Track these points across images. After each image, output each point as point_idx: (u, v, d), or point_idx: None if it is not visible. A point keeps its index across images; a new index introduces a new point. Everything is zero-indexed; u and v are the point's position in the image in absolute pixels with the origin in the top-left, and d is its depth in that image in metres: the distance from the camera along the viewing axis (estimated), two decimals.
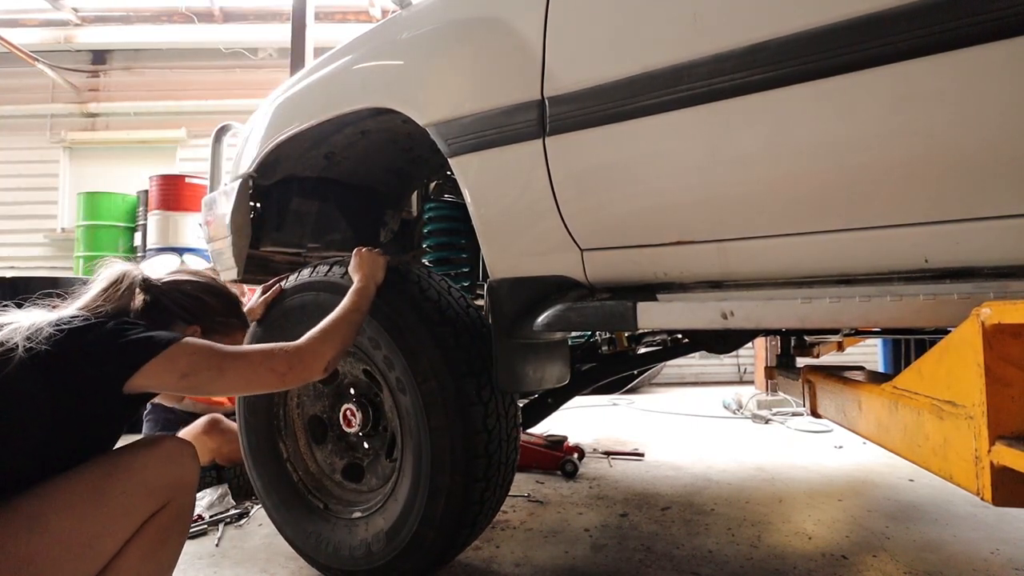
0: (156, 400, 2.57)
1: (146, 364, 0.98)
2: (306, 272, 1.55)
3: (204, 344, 1.06)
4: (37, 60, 5.87)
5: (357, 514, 1.52)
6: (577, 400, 2.70)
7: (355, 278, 1.36)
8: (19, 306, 1.05)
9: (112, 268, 1.18)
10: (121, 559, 0.97)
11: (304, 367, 1.12)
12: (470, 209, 1.38)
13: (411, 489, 1.38)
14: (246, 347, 1.16)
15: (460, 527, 1.38)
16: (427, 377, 1.34)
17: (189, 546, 1.81)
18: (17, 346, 0.93)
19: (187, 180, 4.98)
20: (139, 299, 1.18)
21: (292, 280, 1.57)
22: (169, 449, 1.06)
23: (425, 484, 1.35)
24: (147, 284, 1.20)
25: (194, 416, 2.46)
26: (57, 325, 0.99)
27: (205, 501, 2.07)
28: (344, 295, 1.32)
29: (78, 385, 0.97)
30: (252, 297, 1.71)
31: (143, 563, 0.99)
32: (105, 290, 1.13)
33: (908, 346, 2.90)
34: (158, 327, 1.08)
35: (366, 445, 1.59)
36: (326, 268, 1.51)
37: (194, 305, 1.24)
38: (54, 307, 1.10)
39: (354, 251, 1.44)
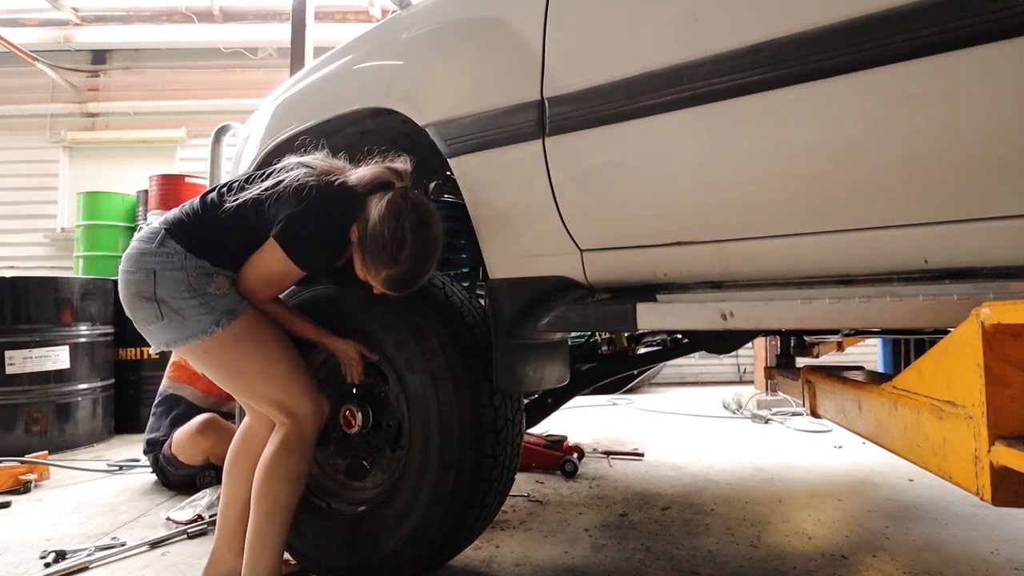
0: (170, 392, 2.58)
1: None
2: None
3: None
4: (37, 60, 5.86)
5: (362, 508, 1.52)
6: (577, 400, 2.70)
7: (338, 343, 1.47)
8: None
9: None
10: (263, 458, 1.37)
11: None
12: (470, 210, 1.38)
13: (419, 469, 1.40)
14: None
15: (469, 507, 1.39)
16: (435, 354, 1.38)
17: (189, 546, 1.81)
18: None
19: (187, 180, 4.97)
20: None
21: None
22: (322, 396, 1.42)
23: (435, 460, 1.37)
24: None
25: (201, 410, 2.47)
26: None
27: (205, 501, 2.07)
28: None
29: None
30: None
31: (272, 462, 1.35)
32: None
33: (908, 346, 2.90)
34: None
35: (369, 443, 1.59)
36: None
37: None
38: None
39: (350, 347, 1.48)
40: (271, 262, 1.30)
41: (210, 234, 1.31)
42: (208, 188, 1.40)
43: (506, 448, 1.44)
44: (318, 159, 1.36)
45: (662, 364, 4.64)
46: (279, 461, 1.34)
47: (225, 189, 1.35)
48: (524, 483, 2.41)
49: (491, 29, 1.29)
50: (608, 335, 2.23)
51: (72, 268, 5.42)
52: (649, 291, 1.21)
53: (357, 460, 1.62)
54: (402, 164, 1.34)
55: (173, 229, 1.31)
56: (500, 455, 1.42)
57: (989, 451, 0.68)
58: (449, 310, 1.44)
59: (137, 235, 1.35)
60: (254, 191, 1.30)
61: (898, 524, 1.92)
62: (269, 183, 1.30)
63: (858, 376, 1.28)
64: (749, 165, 1.01)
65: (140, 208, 5.28)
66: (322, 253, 1.33)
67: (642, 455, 2.90)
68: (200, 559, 1.68)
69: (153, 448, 2.46)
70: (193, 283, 1.27)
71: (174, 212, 1.36)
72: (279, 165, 1.35)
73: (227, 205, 1.30)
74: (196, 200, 1.37)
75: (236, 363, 1.33)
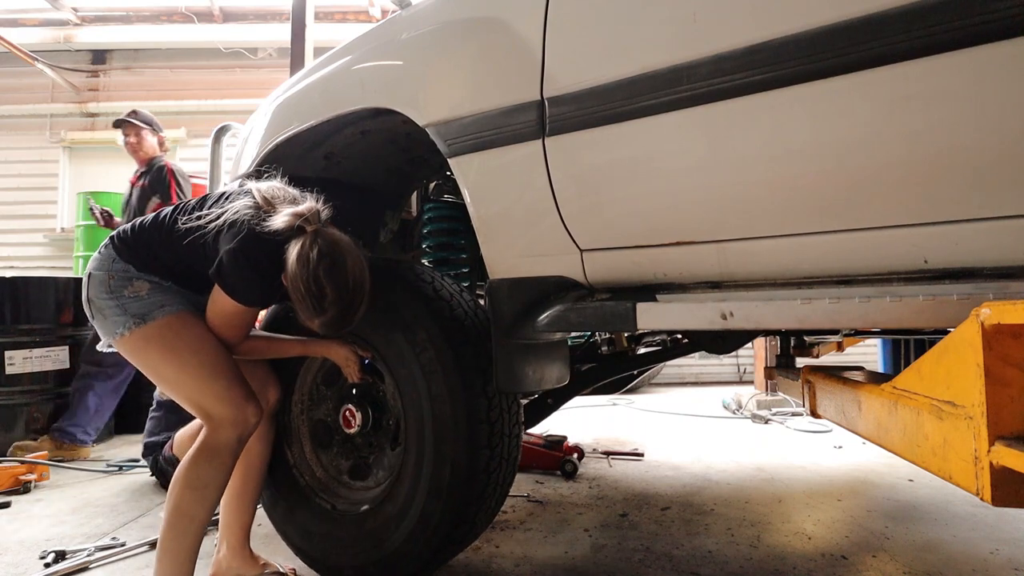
0: (166, 396, 2.59)
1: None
2: None
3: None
4: (37, 60, 5.87)
5: (365, 507, 1.52)
6: (577, 400, 2.71)
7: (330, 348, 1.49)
8: None
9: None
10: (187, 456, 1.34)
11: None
12: (470, 209, 1.38)
13: (416, 464, 1.39)
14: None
15: (468, 500, 1.38)
16: (424, 347, 1.38)
17: None
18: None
19: None
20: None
21: None
22: (247, 404, 1.35)
23: (430, 454, 1.37)
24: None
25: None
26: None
27: None
28: None
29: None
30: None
31: (188, 463, 1.32)
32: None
33: (908, 346, 2.90)
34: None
35: (371, 442, 1.60)
36: None
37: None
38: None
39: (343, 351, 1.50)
40: (222, 303, 1.32)
41: (148, 245, 1.36)
42: (169, 207, 1.41)
43: (502, 439, 1.43)
44: (262, 191, 1.33)
45: (662, 364, 4.64)
46: (187, 466, 1.32)
47: (179, 211, 1.37)
48: (524, 483, 2.41)
49: (491, 29, 1.29)
50: (608, 335, 2.23)
51: (72, 268, 5.41)
52: (649, 291, 1.21)
53: (360, 460, 1.63)
54: (308, 205, 1.29)
55: (115, 236, 1.39)
56: (496, 446, 1.42)
57: (989, 451, 0.68)
58: (437, 303, 1.44)
59: None
60: (201, 220, 1.31)
61: (898, 524, 1.92)
62: (213, 214, 1.30)
63: (858, 376, 1.28)
64: (749, 165, 1.01)
65: None
66: (258, 290, 1.33)
67: (642, 455, 2.91)
68: (200, 559, 1.68)
69: (152, 451, 2.46)
70: (112, 285, 1.33)
71: (129, 224, 1.41)
72: (231, 191, 1.37)
73: (175, 227, 1.33)
74: (151, 215, 1.41)
75: (151, 366, 1.35)
